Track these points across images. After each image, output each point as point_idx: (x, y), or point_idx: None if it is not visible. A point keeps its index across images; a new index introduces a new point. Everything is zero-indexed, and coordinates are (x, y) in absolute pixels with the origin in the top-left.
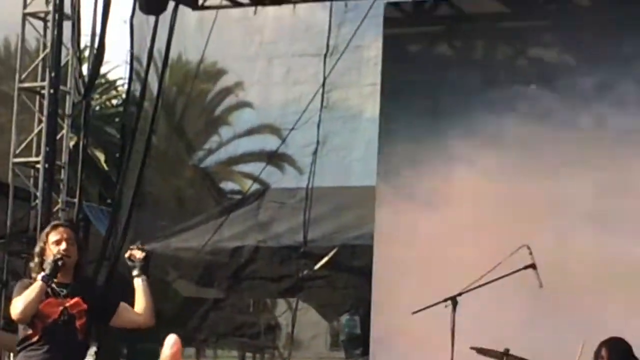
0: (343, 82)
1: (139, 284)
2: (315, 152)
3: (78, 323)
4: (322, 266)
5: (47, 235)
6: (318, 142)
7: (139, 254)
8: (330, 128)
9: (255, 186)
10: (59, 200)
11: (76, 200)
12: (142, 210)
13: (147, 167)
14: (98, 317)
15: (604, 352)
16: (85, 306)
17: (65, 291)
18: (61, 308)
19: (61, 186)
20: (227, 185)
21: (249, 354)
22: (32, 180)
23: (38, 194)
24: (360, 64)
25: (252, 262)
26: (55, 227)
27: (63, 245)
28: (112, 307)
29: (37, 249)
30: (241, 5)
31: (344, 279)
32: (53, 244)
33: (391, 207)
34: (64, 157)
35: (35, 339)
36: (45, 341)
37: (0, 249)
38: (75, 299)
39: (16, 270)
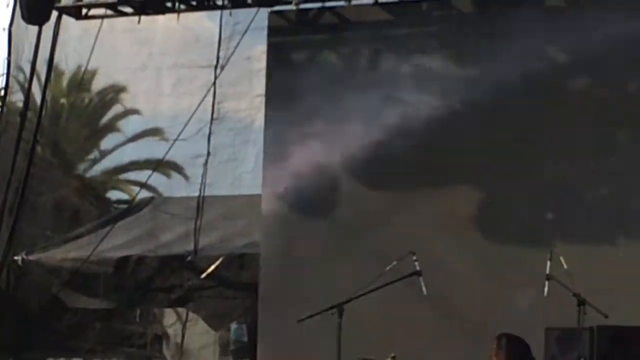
0: (233, 93)
1: None
2: (206, 163)
3: None
4: (208, 275)
5: None
6: (209, 152)
7: None
8: (221, 139)
9: (143, 194)
10: None
11: None
12: (26, 220)
13: (32, 176)
14: None
15: (504, 342)
16: None
17: None
18: None
19: None
20: (114, 194)
21: None
22: None
23: None
24: (251, 74)
25: (139, 272)
26: None
27: None
28: None
29: None
30: (125, 14)
31: (231, 288)
32: None
33: (276, 215)
34: None
35: None
36: None
37: None
38: None
39: None
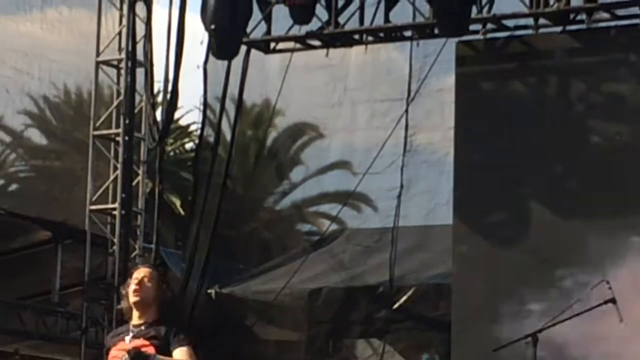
0: (426, 125)
1: None
2: (399, 196)
3: None
4: (400, 306)
5: (130, 275)
6: (402, 185)
7: None
8: (414, 172)
9: (333, 227)
10: (136, 246)
11: (153, 245)
12: (218, 254)
13: (223, 211)
14: None
15: None
16: (151, 349)
17: (135, 332)
18: (123, 353)
19: (138, 232)
20: (304, 227)
21: None
22: (108, 227)
23: (115, 240)
24: (443, 105)
25: (332, 304)
26: (137, 267)
27: (133, 285)
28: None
29: (123, 291)
30: (312, 47)
31: (424, 319)
32: (134, 280)
33: (468, 245)
34: (140, 203)
35: None
36: None
37: (79, 296)
38: (141, 342)
39: (95, 316)
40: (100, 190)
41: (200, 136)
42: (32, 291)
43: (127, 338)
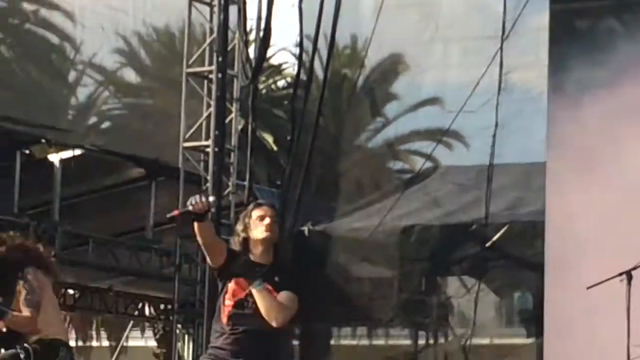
0: (521, 63)
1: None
2: (494, 135)
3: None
4: (494, 243)
5: (251, 212)
6: (497, 123)
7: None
8: (508, 110)
9: (426, 164)
10: (229, 183)
11: (246, 182)
12: (311, 192)
13: (315, 149)
14: None
15: None
16: (274, 294)
17: (259, 272)
18: (247, 291)
19: (231, 169)
20: (396, 165)
21: (421, 333)
22: (202, 164)
23: (208, 177)
24: (538, 44)
25: (424, 241)
26: (259, 205)
27: (267, 221)
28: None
29: (239, 227)
30: None
31: (517, 256)
32: (257, 219)
33: (563, 183)
34: (233, 141)
35: (224, 320)
36: (233, 322)
37: (173, 233)
38: (265, 286)
39: (188, 253)
40: (194, 128)
41: (298, 74)
42: (126, 228)
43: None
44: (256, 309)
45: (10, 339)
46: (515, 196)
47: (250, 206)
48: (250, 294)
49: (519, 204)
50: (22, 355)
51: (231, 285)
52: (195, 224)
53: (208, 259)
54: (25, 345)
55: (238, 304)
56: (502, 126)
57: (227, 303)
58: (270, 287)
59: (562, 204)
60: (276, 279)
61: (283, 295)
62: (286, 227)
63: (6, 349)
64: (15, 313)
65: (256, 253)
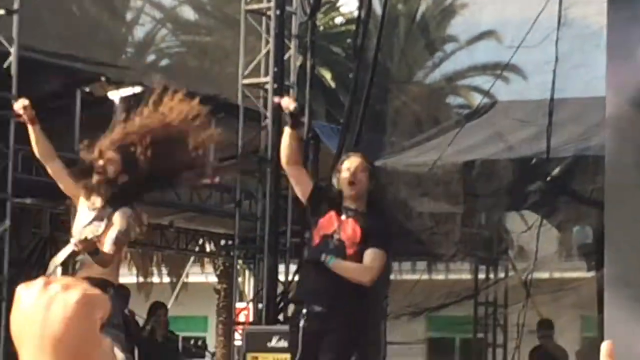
0: None
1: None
2: (554, 70)
3: (348, 251)
4: (554, 177)
5: (342, 161)
6: (557, 58)
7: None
8: (568, 45)
9: (485, 100)
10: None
11: (305, 119)
12: (370, 127)
13: (374, 85)
14: None
15: None
16: (359, 238)
17: (350, 214)
18: (334, 227)
19: None
20: (455, 100)
21: (481, 267)
22: (261, 100)
23: (268, 114)
24: None
25: (485, 175)
26: (348, 155)
27: (348, 172)
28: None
29: (333, 177)
30: None
31: (578, 190)
32: (345, 170)
33: (621, 117)
34: (292, 77)
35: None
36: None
37: (233, 169)
38: (353, 227)
39: (248, 189)
40: (252, 65)
41: (360, 11)
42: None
43: (344, 216)
44: (341, 245)
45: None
46: (576, 131)
47: (343, 155)
48: (336, 231)
49: (580, 139)
50: None
51: (320, 221)
52: (288, 129)
53: (296, 190)
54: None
55: (324, 240)
56: (562, 61)
57: (315, 238)
58: (351, 248)
59: (622, 138)
60: (364, 226)
61: (368, 256)
62: None
63: None
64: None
65: (346, 200)
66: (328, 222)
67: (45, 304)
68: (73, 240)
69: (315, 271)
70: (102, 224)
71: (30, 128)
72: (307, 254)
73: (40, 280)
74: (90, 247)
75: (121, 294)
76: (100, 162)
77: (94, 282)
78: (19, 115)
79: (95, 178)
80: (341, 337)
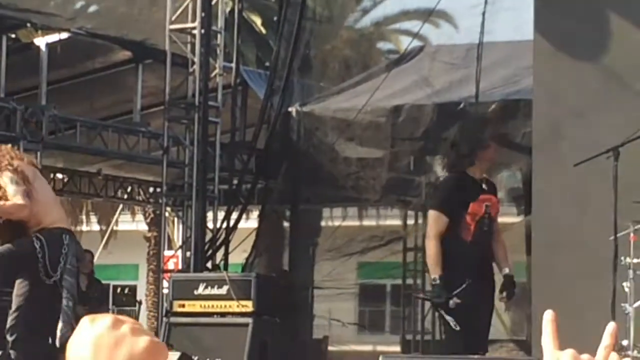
0: None
1: None
2: (483, 13)
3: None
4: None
5: None
6: (486, 1)
7: None
8: None
9: (414, 44)
10: (216, 65)
11: (233, 64)
12: (299, 73)
13: (303, 30)
14: None
15: None
16: (498, 207)
17: (485, 187)
18: (485, 205)
19: (218, 51)
20: (385, 45)
21: (411, 212)
22: (189, 46)
23: (195, 59)
24: None
25: (413, 120)
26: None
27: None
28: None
29: None
30: None
31: (506, 135)
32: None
33: (549, 61)
34: (220, 22)
35: (469, 237)
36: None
37: (160, 115)
38: (494, 199)
39: (176, 135)
40: (180, 10)
41: None
42: (114, 112)
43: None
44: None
45: (17, 232)
46: (506, 74)
47: None
48: (488, 212)
49: (510, 82)
50: (37, 245)
51: (471, 204)
52: None
53: None
54: (38, 235)
55: (479, 223)
56: (491, 4)
57: (469, 220)
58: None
59: (548, 82)
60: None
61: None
62: (274, 108)
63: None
64: (2, 202)
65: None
66: (478, 205)
67: (112, 343)
68: None
69: None
70: None
71: None
72: None
73: (109, 317)
74: None
75: (74, 240)
76: None
77: (47, 230)
78: None
79: None
80: None
